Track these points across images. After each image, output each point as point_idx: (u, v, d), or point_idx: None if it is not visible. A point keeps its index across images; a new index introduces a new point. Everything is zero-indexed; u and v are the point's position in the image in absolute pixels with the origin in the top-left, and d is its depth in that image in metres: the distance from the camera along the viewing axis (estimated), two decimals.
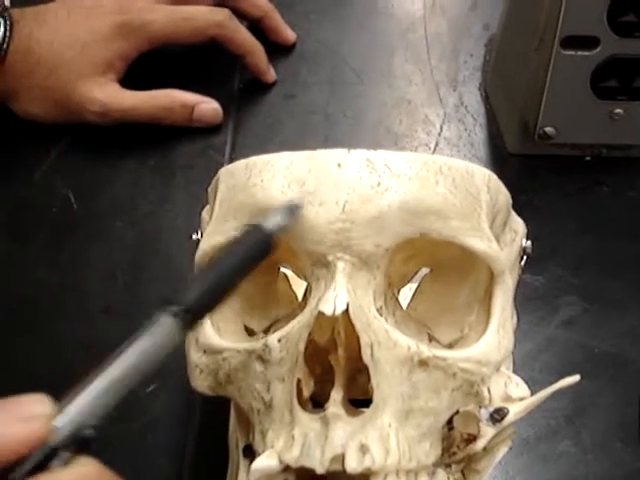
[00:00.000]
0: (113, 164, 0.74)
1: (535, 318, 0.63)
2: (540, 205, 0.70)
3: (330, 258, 0.41)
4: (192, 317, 0.36)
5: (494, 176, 0.45)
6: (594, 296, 0.64)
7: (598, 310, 0.64)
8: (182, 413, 0.59)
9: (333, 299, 0.39)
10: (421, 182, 0.41)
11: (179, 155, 0.75)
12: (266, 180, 0.42)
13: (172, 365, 0.54)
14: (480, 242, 0.42)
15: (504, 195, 0.46)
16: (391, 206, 0.40)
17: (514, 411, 0.44)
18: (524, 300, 0.63)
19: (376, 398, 0.40)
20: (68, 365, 0.61)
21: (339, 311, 0.39)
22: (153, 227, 0.70)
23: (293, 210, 0.40)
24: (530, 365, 0.60)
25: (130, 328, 0.61)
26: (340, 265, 0.41)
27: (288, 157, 0.42)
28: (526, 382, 0.46)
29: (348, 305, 0.39)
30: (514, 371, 0.48)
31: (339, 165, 0.41)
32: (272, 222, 0.40)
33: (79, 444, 0.32)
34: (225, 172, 0.46)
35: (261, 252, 0.39)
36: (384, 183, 0.41)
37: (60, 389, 0.58)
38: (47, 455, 0.31)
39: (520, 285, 0.61)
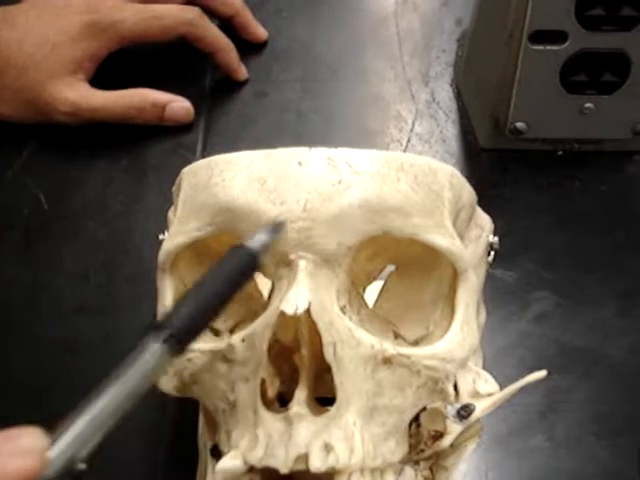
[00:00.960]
0: (84, 164, 0.73)
1: (507, 313, 0.63)
2: (512, 200, 0.70)
3: (292, 257, 0.41)
4: (181, 342, 0.35)
5: (457, 173, 0.44)
6: (566, 290, 0.64)
7: (570, 304, 0.64)
8: (155, 412, 0.59)
9: (295, 298, 0.39)
10: (382, 179, 0.41)
11: (150, 154, 0.74)
12: (227, 179, 0.42)
13: None
14: (443, 239, 0.42)
15: (468, 192, 0.45)
16: (352, 204, 0.40)
17: (481, 407, 0.44)
18: (496, 295, 0.63)
19: (340, 397, 0.40)
20: (41, 365, 0.61)
21: (301, 310, 0.39)
22: (125, 227, 0.69)
23: (277, 229, 0.40)
24: (502, 360, 0.60)
25: (103, 327, 0.62)
26: (302, 264, 0.40)
27: (249, 156, 0.42)
28: (498, 377, 0.46)
29: (310, 304, 0.39)
30: (486, 366, 0.48)
31: (300, 164, 0.41)
32: (256, 241, 0.39)
33: (72, 477, 0.32)
34: (187, 172, 0.46)
35: (246, 272, 0.39)
36: (345, 181, 0.40)
37: (33, 389, 0.58)
38: None
39: (492, 280, 0.61)
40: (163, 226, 0.51)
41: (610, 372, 0.60)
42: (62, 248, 0.68)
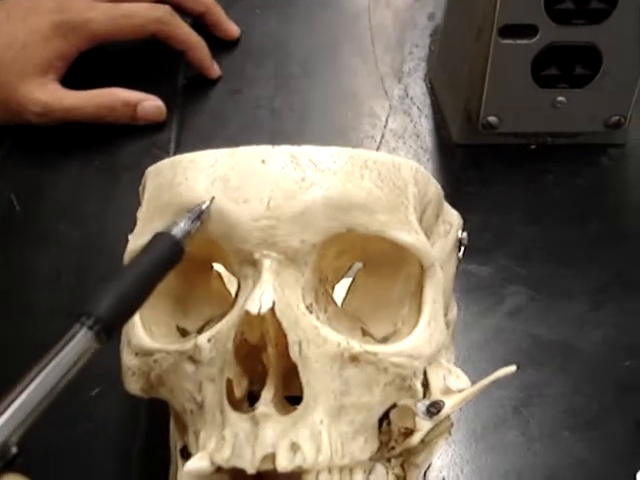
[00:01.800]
0: (56, 165, 0.73)
1: (481, 308, 0.63)
2: (486, 194, 0.70)
3: (256, 256, 0.40)
4: (107, 329, 0.35)
5: (422, 169, 0.44)
6: (540, 285, 0.64)
7: (544, 299, 0.64)
8: (128, 415, 0.58)
9: (259, 298, 0.39)
10: (346, 176, 0.41)
11: (123, 154, 0.74)
12: (191, 178, 0.42)
13: (116, 367, 0.54)
14: (407, 235, 0.41)
15: (434, 187, 0.45)
16: (316, 201, 0.40)
17: (450, 404, 0.44)
18: (470, 290, 0.63)
19: (306, 396, 0.40)
20: (14, 368, 0.60)
21: (265, 310, 0.39)
22: (98, 227, 0.69)
23: (200, 214, 0.40)
24: (477, 355, 0.60)
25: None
26: (266, 263, 0.40)
27: (212, 155, 0.42)
28: (473, 372, 0.46)
29: (274, 303, 0.39)
30: (460, 361, 0.48)
31: (263, 161, 0.41)
32: (180, 228, 0.39)
33: (5, 461, 0.32)
34: (151, 171, 0.46)
35: (171, 259, 0.39)
36: (308, 178, 0.40)
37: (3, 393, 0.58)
38: None
39: (466, 275, 0.61)
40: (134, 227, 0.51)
41: (584, 366, 0.60)
42: (35, 250, 0.68)
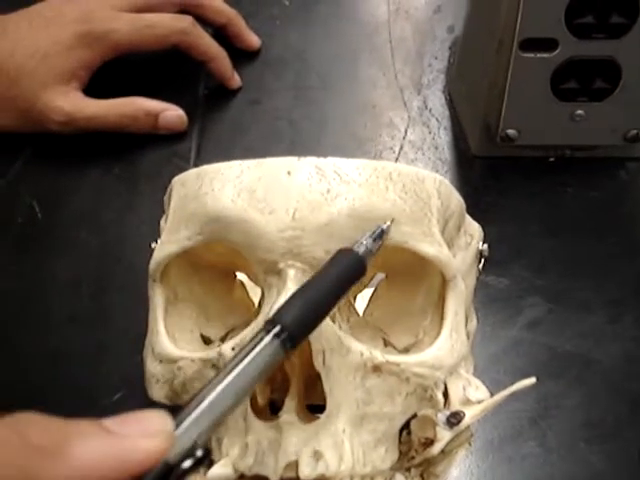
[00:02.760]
0: (77, 173, 0.74)
1: (499, 320, 0.63)
2: (504, 206, 0.70)
3: (281, 266, 0.41)
4: (292, 339, 0.36)
5: (446, 181, 0.45)
6: (558, 297, 0.64)
7: (562, 311, 0.64)
8: None
9: None
10: (371, 188, 0.41)
11: (144, 163, 0.75)
12: (217, 189, 0.42)
13: (138, 373, 0.55)
14: (430, 247, 0.42)
15: (456, 200, 0.46)
16: (341, 213, 0.40)
17: (470, 414, 0.44)
18: (488, 302, 0.63)
19: (330, 405, 0.40)
20: (34, 375, 0.61)
21: None
22: (117, 235, 0.69)
23: (382, 233, 0.41)
24: (495, 367, 0.60)
25: (95, 337, 0.62)
26: (291, 272, 0.41)
27: (238, 166, 0.43)
28: (490, 384, 0.46)
29: None
30: (478, 373, 0.48)
31: (289, 173, 0.41)
32: (362, 246, 0.40)
33: (193, 461, 0.32)
34: (177, 181, 0.46)
35: (353, 275, 0.39)
36: (334, 190, 0.41)
37: (25, 398, 0.58)
38: (165, 472, 0.31)
39: (484, 287, 0.61)
40: (156, 235, 0.51)
41: (601, 378, 0.60)
42: (55, 257, 0.68)
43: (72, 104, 0.73)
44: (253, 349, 0.35)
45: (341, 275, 0.38)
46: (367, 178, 0.41)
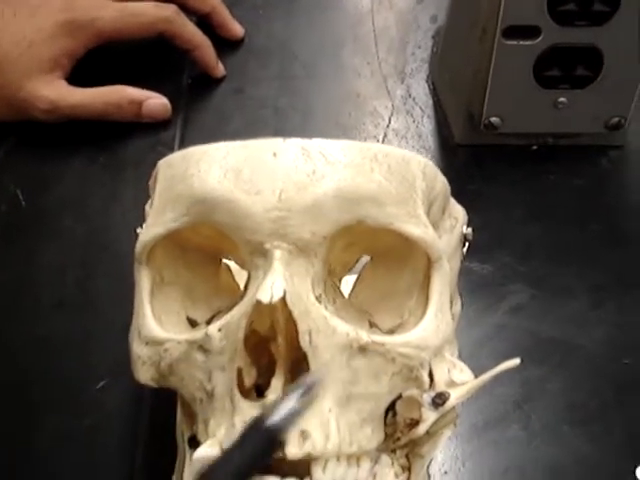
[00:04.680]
0: (61, 161, 0.74)
1: (483, 305, 0.63)
2: (487, 194, 0.70)
3: (267, 246, 0.41)
4: None
5: (430, 163, 0.45)
6: (541, 283, 0.65)
7: (545, 297, 0.64)
8: (133, 408, 0.59)
9: (270, 287, 0.40)
10: (356, 169, 0.41)
11: (128, 151, 0.75)
12: (203, 170, 0.42)
13: (124, 360, 0.55)
14: (416, 228, 0.42)
15: (441, 182, 0.46)
16: (327, 194, 0.40)
17: (455, 395, 0.44)
18: (472, 288, 0.63)
19: None
20: (21, 362, 0.61)
21: (276, 298, 0.39)
22: (102, 223, 0.69)
23: (306, 393, 0.35)
24: (478, 352, 0.60)
25: (82, 323, 0.62)
26: (277, 253, 0.41)
27: (224, 147, 0.43)
28: (474, 369, 0.46)
29: (285, 293, 0.39)
30: (462, 358, 0.49)
31: (274, 154, 0.41)
32: (279, 414, 0.34)
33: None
34: (163, 164, 0.46)
35: (265, 453, 0.34)
36: (319, 171, 0.41)
37: (12, 384, 0.58)
38: None
39: (467, 273, 0.62)
40: (141, 222, 0.51)
41: (584, 362, 0.61)
42: (40, 245, 0.68)
43: (56, 92, 0.73)
44: None
45: (248, 457, 0.34)
46: (352, 159, 0.41)
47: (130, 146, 0.75)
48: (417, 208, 0.43)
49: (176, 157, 0.45)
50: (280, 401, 0.34)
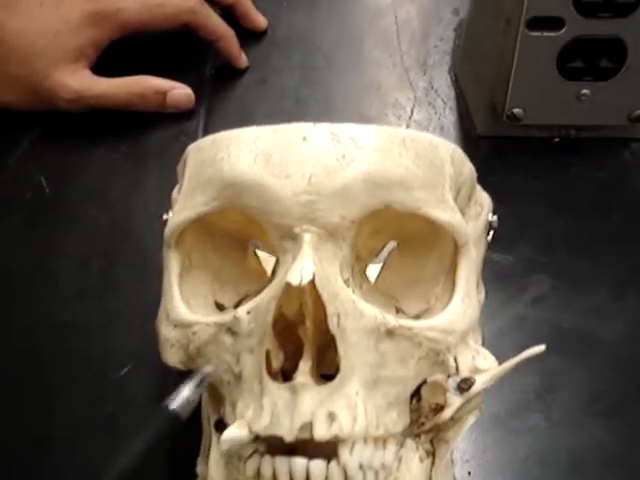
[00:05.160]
0: (86, 150, 0.74)
1: (505, 296, 0.64)
2: (509, 186, 0.70)
3: (297, 230, 0.41)
4: None
5: (458, 149, 0.45)
6: (563, 274, 0.65)
7: (566, 288, 0.64)
8: (155, 395, 0.59)
9: (300, 270, 0.40)
10: (385, 154, 0.41)
11: (151, 141, 0.75)
12: (233, 154, 0.43)
13: (146, 347, 0.55)
14: (444, 213, 0.42)
15: (468, 168, 0.46)
16: (356, 178, 0.41)
17: (481, 381, 0.44)
18: (494, 279, 0.63)
19: (343, 367, 0.40)
20: (42, 348, 0.61)
21: (305, 281, 0.39)
22: (125, 212, 0.70)
23: (203, 380, 0.43)
24: (500, 342, 0.60)
25: (103, 311, 0.63)
26: (306, 237, 0.41)
27: (254, 131, 0.43)
28: (496, 359, 0.47)
29: (314, 275, 0.40)
30: (484, 348, 0.49)
31: (304, 139, 0.42)
32: (179, 399, 0.42)
33: None
34: (193, 148, 0.47)
35: (167, 433, 0.42)
36: (349, 155, 0.41)
37: (34, 372, 0.59)
38: None
39: (490, 264, 0.62)
40: (163, 211, 0.51)
41: (605, 353, 0.61)
42: (64, 233, 0.69)
43: (81, 82, 0.74)
44: None
45: (152, 436, 0.41)
46: (381, 143, 0.42)
47: (153, 136, 0.75)
48: (445, 193, 0.43)
49: (206, 141, 0.45)
50: (177, 389, 0.42)
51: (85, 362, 0.61)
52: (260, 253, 0.52)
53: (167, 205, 0.52)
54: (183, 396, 0.42)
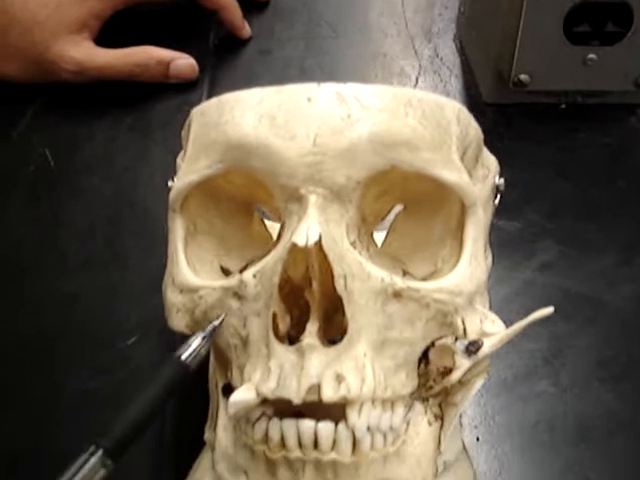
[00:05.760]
0: (89, 122, 0.74)
1: (512, 262, 0.63)
2: (516, 152, 0.70)
3: (302, 192, 0.41)
4: (114, 457, 0.39)
5: (464, 109, 0.45)
6: (569, 240, 0.65)
7: (574, 253, 0.64)
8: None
9: (306, 231, 0.40)
10: (391, 114, 0.41)
11: (155, 112, 0.75)
12: (237, 116, 0.42)
13: (153, 317, 0.55)
14: (450, 173, 0.42)
15: (475, 129, 0.46)
16: (361, 137, 0.40)
17: (489, 343, 0.44)
18: (501, 245, 0.63)
19: (351, 329, 0.40)
20: (48, 318, 0.61)
21: (312, 242, 0.39)
22: (130, 183, 0.70)
23: (212, 333, 0.43)
24: (507, 308, 0.60)
25: (109, 280, 0.62)
26: (312, 198, 0.41)
27: (259, 93, 0.43)
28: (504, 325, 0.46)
29: (321, 237, 0.39)
30: None
31: (309, 99, 0.41)
32: (188, 349, 0.43)
33: None
34: (197, 112, 0.46)
35: (178, 381, 0.42)
36: (354, 115, 0.41)
37: (40, 342, 0.59)
38: None
39: (496, 230, 0.62)
40: (172, 176, 0.51)
41: (613, 319, 0.61)
42: (68, 204, 0.69)
43: (83, 53, 0.74)
44: (78, 472, 0.38)
45: (162, 386, 0.41)
46: (387, 103, 0.41)
47: (157, 107, 0.75)
48: (451, 153, 0.42)
49: (210, 105, 0.45)
50: (187, 341, 0.43)
51: (92, 332, 0.61)
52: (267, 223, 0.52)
53: (172, 175, 0.51)
54: (193, 347, 0.42)
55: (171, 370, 0.42)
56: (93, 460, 0.39)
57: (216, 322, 0.43)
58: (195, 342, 0.42)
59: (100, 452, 0.39)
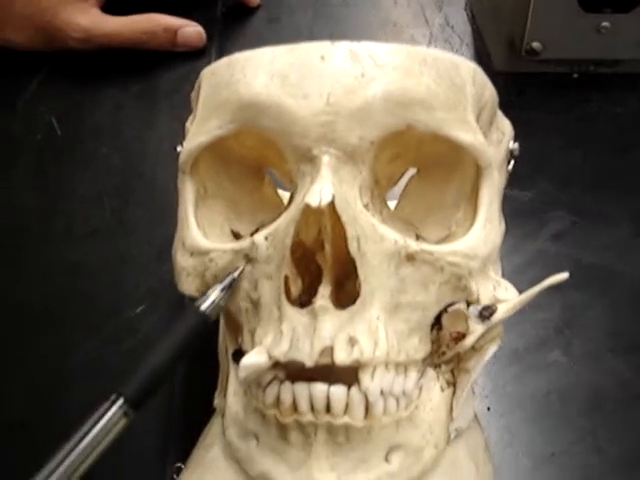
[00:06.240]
0: (96, 90, 0.73)
1: (524, 232, 0.63)
2: (528, 122, 0.69)
3: (315, 152, 0.40)
4: (135, 406, 0.39)
5: (480, 70, 0.44)
6: (582, 210, 0.64)
7: (586, 224, 0.64)
8: None
9: (319, 191, 0.39)
10: (405, 72, 0.40)
11: (163, 80, 0.74)
12: (249, 75, 0.41)
13: (160, 286, 0.54)
14: (466, 134, 0.41)
15: (490, 90, 0.45)
16: (375, 96, 0.40)
17: (503, 309, 0.44)
18: (513, 215, 0.62)
19: (364, 291, 0.39)
20: (56, 287, 0.61)
21: (325, 202, 0.38)
22: (138, 151, 0.69)
23: (231, 284, 0.42)
24: (519, 278, 0.58)
25: (116, 249, 0.62)
26: (325, 159, 0.40)
27: (270, 52, 0.42)
28: None
29: (334, 197, 0.39)
30: None
31: (322, 58, 0.41)
32: (208, 300, 0.42)
33: None
34: (207, 72, 0.45)
35: (197, 332, 0.42)
36: (368, 74, 0.40)
37: (48, 310, 0.58)
38: None
39: (508, 200, 0.61)
40: (181, 141, 0.51)
41: (625, 289, 0.60)
42: (75, 173, 0.68)
43: (90, 21, 0.73)
44: (99, 420, 0.38)
45: (183, 335, 0.41)
46: (401, 62, 0.40)
47: (165, 75, 0.75)
48: (467, 114, 0.42)
49: (221, 64, 0.44)
50: (206, 293, 0.42)
51: (100, 301, 0.60)
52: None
53: (183, 136, 0.51)
54: (212, 298, 0.42)
55: (191, 320, 0.41)
56: (114, 409, 0.39)
57: (235, 273, 0.42)
58: (214, 293, 0.42)
59: (121, 400, 0.39)
